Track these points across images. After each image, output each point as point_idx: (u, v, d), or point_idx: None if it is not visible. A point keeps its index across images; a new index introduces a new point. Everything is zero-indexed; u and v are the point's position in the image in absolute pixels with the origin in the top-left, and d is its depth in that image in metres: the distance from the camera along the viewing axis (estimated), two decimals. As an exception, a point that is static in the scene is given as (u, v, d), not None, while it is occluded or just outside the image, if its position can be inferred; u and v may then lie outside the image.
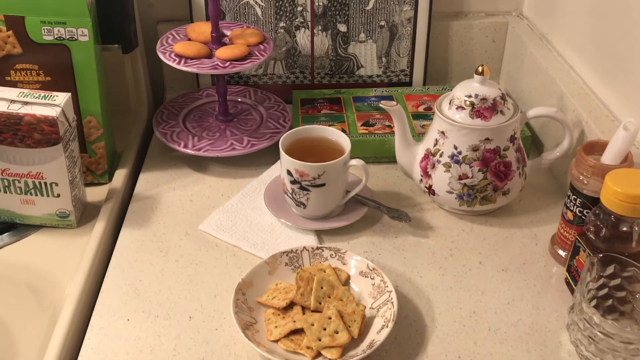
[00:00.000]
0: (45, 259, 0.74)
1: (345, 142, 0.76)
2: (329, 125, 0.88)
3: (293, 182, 0.75)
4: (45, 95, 0.73)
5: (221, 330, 0.64)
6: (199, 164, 0.89)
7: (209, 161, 0.89)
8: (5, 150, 0.72)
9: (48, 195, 0.76)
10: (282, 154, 0.74)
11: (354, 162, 0.75)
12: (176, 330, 0.64)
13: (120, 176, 0.85)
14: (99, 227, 0.77)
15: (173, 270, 0.71)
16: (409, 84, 1.02)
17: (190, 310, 0.66)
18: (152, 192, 0.84)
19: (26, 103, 0.72)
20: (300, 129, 0.79)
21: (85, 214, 0.81)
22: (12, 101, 0.72)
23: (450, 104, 0.75)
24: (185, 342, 0.63)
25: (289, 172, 0.74)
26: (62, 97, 0.73)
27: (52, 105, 0.72)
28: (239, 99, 0.98)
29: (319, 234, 0.77)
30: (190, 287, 0.69)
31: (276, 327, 0.62)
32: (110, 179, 0.86)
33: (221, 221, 0.78)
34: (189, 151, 0.86)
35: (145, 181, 0.86)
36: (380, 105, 0.76)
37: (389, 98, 0.96)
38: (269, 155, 0.88)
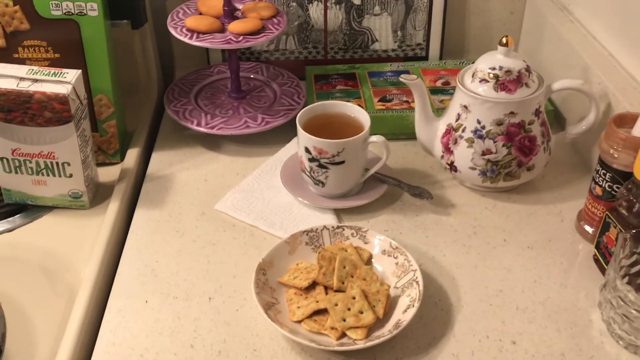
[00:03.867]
0: (58, 241, 0.73)
1: (364, 117, 0.74)
2: (345, 102, 0.86)
3: (311, 159, 0.73)
4: (55, 72, 0.71)
5: (242, 312, 0.63)
6: (212, 142, 0.87)
7: (222, 140, 0.87)
8: (16, 130, 0.70)
9: (60, 176, 0.74)
10: (300, 130, 0.72)
11: (374, 138, 0.73)
12: (196, 312, 0.63)
13: (132, 156, 0.83)
14: (113, 207, 0.75)
15: (190, 250, 0.70)
16: (425, 58, 0.99)
17: (210, 291, 0.65)
18: (165, 171, 0.82)
19: (36, 80, 0.70)
20: (317, 104, 0.77)
21: (98, 194, 0.79)
22: (21, 79, 0.70)
23: (473, 76, 0.72)
24: (205, 324, 0.61)
25: (307, 150, 0.72)
26: (72, 74, 0.71)
27: (63, 82, 0.70)
28: (252, 76, 0.95)
29: (338, 212, 0.75)
30: (208, 267, 0.68)
31: (299, 307, 0.61)
32: (122, 159, 0.84)
33: (237, 201, 0.76)
34: (202, 129, 0.84)
35: (158, 161, 0.84)
36: (401, 79, 0.73)
37: (406, 73, 0.93)
38: (284, 133, 0.86)
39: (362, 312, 0.59)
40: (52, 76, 0.70)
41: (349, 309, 0.59)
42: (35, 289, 0.67)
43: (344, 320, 0.59)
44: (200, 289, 0.65)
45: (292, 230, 0.71)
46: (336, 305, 0.60)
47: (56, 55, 0.77)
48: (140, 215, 0.75)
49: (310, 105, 0.76)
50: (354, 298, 0.60)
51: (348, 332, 0.59)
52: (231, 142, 0.87)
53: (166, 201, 0.77)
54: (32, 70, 0.70)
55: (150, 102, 0.95)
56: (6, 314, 0.62)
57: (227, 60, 0.88)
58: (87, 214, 0.76)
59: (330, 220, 0.73)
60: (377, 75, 0.93)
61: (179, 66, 1.02)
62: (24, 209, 0.76)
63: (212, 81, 0.95)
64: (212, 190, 0.79)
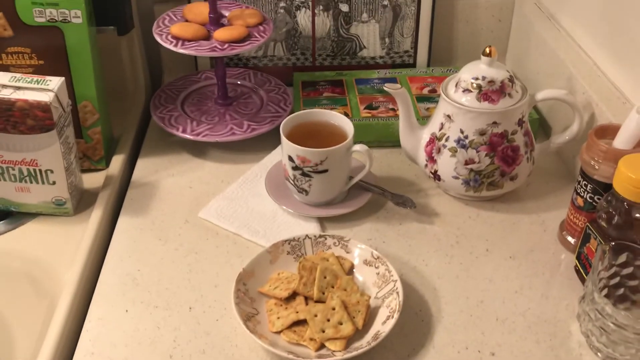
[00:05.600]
0: (42, 248, 0.73)
1: (348, 126, 0.74)
2: (331, 109, 0.86)
3: (295, 168, 0.73)
4: (38, 80, 0.71)
5: (222, 321, 0.63)
6: (198, 149, 0.86)
7: (209, 146, 0.87)
8: (-2, 137, 0.70)
9: (43, 183, 0.74)
10: (283, 139, 0.72)
11: (357, 147, 0.73)
12: (176, 322, 0.63)
13: (117, 162, 0.83)
14: (96, 214, 0.75)
15: (173, 259, 0.70)
16: (413, 65, 0.99)
17: (191, 301, 0.65)
18: (150, 178, 0.82)
19: (18, 88, 0.69)
20: (301, 113, 0.77)
21: (82, 201, 0.79)
22: (4, 86, 0.70)
23: (456, 86, 0.73)
24: (185, 334, 0.61)
25: (290, 158, 0.72)
26: (55, 82, 0.71)
27: (46, 90, 0.70)
28: (239, 82, 0.95)
29: (322, 221, 0.75)
30: (190, 276, 0.68)
31: (278, 318, 0.61)
32: (107, 165, 0.84)
33: (221, 208, 0.76)
34: (187, 136, 0.84)
35: (143, 167, 0.84)
36: (384, 88, 0.73)
37: (393, 80, 0.94)
38: (270, 140, 0.86)
39: (341, 324, 0.59)
40: (34, 84, 0.70)
41: (329, 320, 0.59)
42: (17, 296, 0.67)
43: (323, 331, 0.59)
44: (181, 298, 0.65)
45: (275, 238, 0.71)
46: (316, 316, 0.60)
47: (40, 62, 0.77)
48: (123, 222, 0.75)
49: (294, 114, 0.76)
50: (333, 309, 0.60)
51: (327, 344, 0.59)
52: (217, 148, 0.87)
53: (150, 208, 0.77)
54: (15, 77, 0.70)
55: (137, 108, 0.95)
56: (-14, 322, 0.62)
57: (215, 67, 0.88)
58: (71, 220, 0.76)
59: (314, 228, 0.73)
60: (365, 82, 0.93)
61: (167, 71, 1.02)
62: (7, 215, 0.76)
63: (200, 87, 0.95)
64: (196, 197, 0.78)
